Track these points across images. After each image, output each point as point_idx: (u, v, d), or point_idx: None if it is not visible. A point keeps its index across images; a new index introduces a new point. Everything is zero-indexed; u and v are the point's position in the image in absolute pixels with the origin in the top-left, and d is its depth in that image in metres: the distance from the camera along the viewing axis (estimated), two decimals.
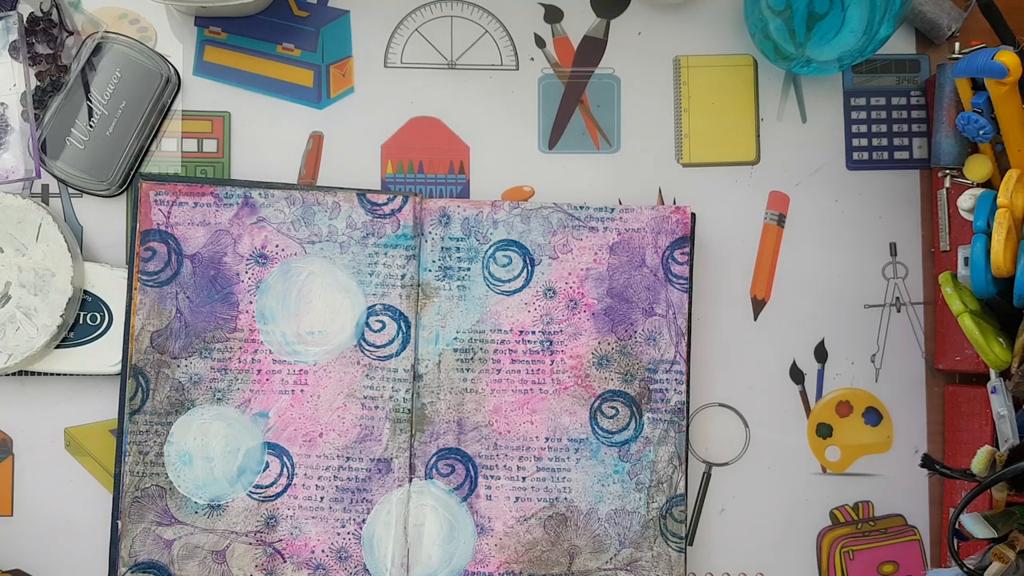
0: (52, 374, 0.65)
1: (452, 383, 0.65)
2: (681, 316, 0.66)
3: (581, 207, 0.66)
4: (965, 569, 0.55)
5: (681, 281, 0.66)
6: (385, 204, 0.66)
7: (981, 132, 0.61)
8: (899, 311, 0.69)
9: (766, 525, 0.68)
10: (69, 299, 0.63)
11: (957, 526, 0.56)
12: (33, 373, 0.64)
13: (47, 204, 0.65)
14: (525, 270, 0.66)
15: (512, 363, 0.66)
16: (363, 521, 0.65)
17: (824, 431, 0.69)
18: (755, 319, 0.69)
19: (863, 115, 0.70)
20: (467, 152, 0.68)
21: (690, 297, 0.66)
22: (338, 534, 0.64)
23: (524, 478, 0.65)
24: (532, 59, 0.69)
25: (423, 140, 0.68)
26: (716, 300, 0.68)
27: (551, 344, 0.66)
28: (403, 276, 0.65)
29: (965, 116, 0.62)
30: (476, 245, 0.66)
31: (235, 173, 0.67)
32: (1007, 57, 0.55)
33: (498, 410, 0.65)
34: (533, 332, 0.66)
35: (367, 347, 0.65)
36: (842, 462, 0.69)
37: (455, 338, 0.65)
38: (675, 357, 0.66)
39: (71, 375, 0.65)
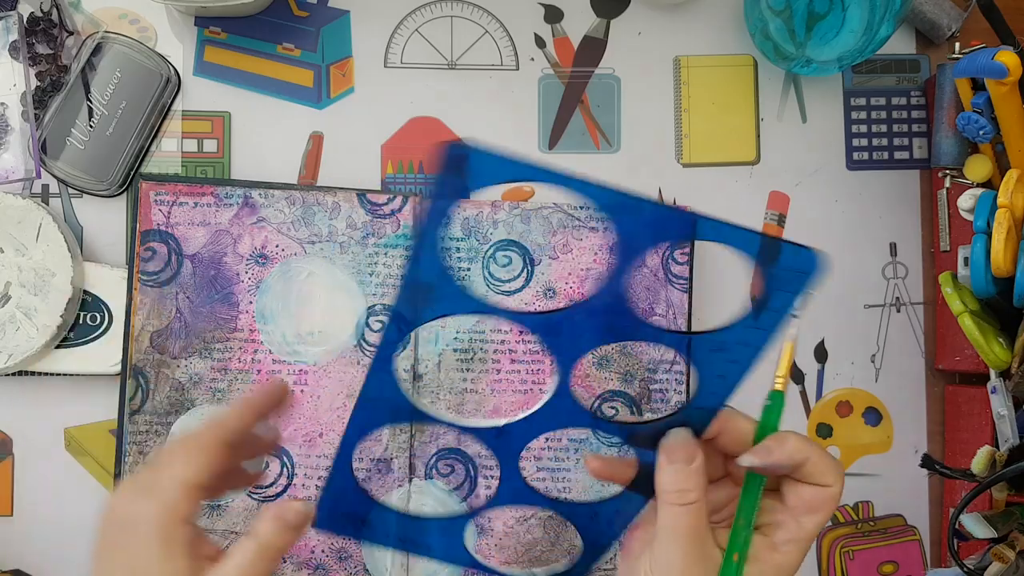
0: (52, 374, 0.64)
1: (452, 383, 0.65)
2: (681, 316, 0.66)
3: (581, 207, 0.66)
4: (965, 569, 0.55)
5: (681, 281, 0.66)
6: (385, 204, 0.66)
7: (981, 132, 0.61)
8: (899, 311, 0.69)
9: None
10: (69, 299, 0.63)
11: (957, 526, 0.56)
12: (33, 373, 0.64)
13: (47, 204, 0.65)
14: (525, 270, 0.66)
15: (512, 363, 0.66)
16: None
17: (824, 431, 0.69)
18: (755, 319, 0.69)
19: (863, 115, 0.70)
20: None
21: (690, 297, 0.66)
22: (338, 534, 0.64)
23: (524, 478, 0.65)
24: (532, 59, 0.69)
25: (423, 140, 0.68)
26: (716, 300, 0.68)
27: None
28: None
29: (965, 116, 0.62)
30: (476, 245, 0.66)
31: (235, 173, 0.67)
32: (1007, 57, 0.55)
33: (498, 410, 0.65)
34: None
35: (367, 347, 0.65)
36: (842, 462, 0.69)
37: (455, 338, 0.65)
38: (675, 357, 0.66)
39: (71, 375, 0.65)
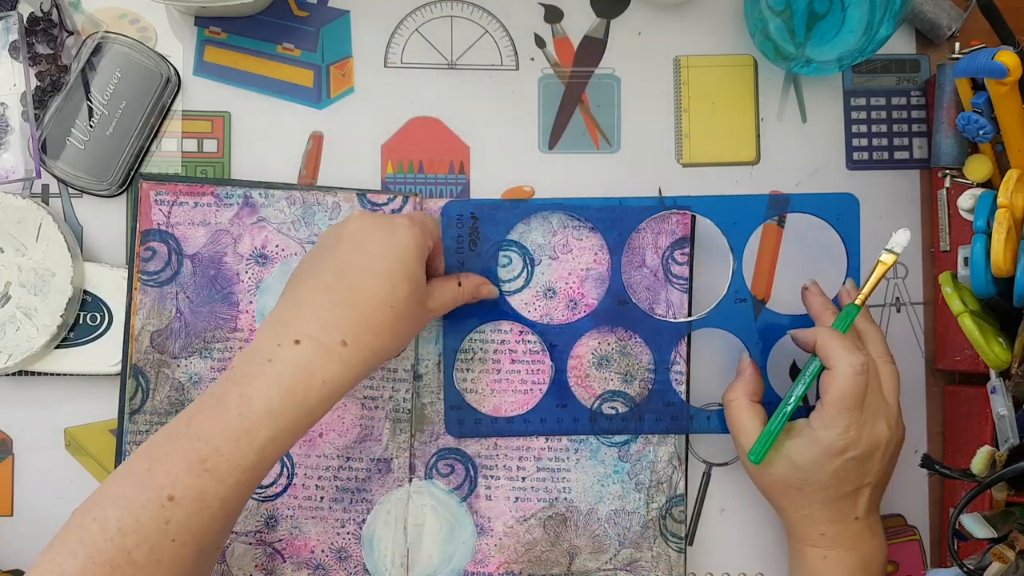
0: (52, 374, 0.65)
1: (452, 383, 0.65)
2: (681, 316, 0.66)
3: (581, 207, 0.66)
4: (965, 569, 0.55)
5: (681, 281, 0.66)
6: (385, 204, 0.66)
7: (981, 132, 0.61)
8: (899, 311, 0.69)
9: (766, 525, 0.68)
10: (69, 299, 0.63)
11: (957, 526, 0.56)
12: (33, 373, 0.64)
13: (47, 204, 0.65)
14: (525, 270, 0.66)
15: (512, 363, 0.66)
16: (363, 521, 0.65)
17: None
18: (755, 319, 0.69)
19: (863, 115, 0.70)
20: (467, 152, 0.68)
21: (690, 297, 0.66)
22: (338, 534, 0.64)
23: (524, 478, 0.65)
24: (532, 59, 0.69)
25: (423, 140, 0.68)
26: (717, 300, 0.68)
27: (551, 344, 0.65)
28: None
29: (965, 116, 0.62)
30: None
31: (235, 173, 0.67)
32: (1007, 57, 0.55)
33: (498, 410, 0.65)
34: (533, 332, 0.66)
35: None
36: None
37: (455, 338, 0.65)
38: (675, 357, 0.66)
39: (71, 375, 0.65)
